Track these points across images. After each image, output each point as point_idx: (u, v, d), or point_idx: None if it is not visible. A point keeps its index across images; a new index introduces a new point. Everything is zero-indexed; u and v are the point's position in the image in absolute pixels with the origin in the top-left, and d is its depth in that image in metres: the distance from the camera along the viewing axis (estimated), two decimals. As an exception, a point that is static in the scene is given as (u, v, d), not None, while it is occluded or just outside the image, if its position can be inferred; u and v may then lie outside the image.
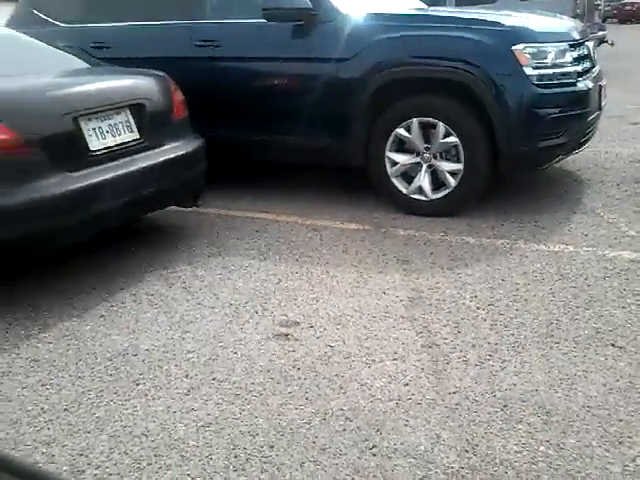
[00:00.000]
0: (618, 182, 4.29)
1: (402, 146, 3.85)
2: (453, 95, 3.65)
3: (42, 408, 2.13)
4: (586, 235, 3.40)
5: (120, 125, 3.17)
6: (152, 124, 3.32)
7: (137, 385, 2.23)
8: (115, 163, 3.06)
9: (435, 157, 3.77)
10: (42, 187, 2.73)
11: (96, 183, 2.91)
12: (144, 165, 3.17)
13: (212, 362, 2.35)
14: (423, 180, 3.80)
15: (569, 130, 3.65)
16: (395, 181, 3.89)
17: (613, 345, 2.33)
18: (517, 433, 1.88)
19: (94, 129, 3.02)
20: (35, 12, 4.99)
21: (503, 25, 3.61)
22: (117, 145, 3.12)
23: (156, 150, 3.31)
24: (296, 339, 2.49)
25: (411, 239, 3.49)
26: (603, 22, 12.31)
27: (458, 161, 3.69)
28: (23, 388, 2.25)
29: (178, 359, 2.39)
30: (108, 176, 2.97)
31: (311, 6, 3.85)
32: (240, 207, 4.19)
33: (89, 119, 3.00)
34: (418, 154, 3.81)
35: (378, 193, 4.06)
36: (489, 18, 3.76)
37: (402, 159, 3.86)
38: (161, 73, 3.62)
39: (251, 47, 4.17)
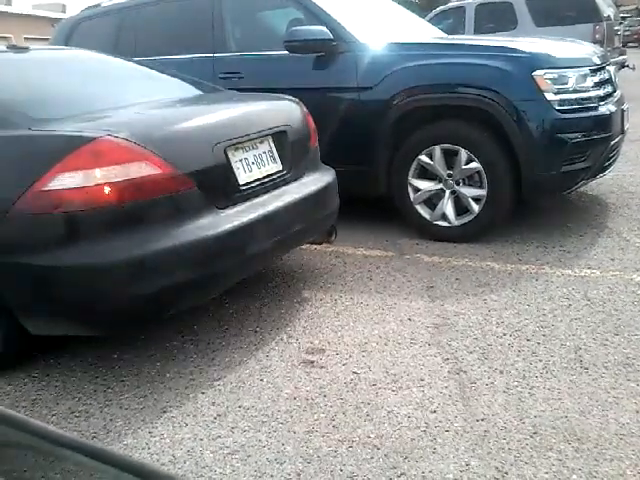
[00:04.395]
0: (644, 206, 4.25)
1: (425, 173, 3.88)
2: (475, 122, 3.68)
3: (71, 436, 2.14)
4: (612, 259, 3.36)
5: (264, 155, 2.87)
6: (293, 154, 3.04)
7: (164, 412, 2.25)
8: (262, 199, 2.74)
9: (458, 183, 3.78)
10: (197, 227, 2.40)
11: (248, 222, 2.56)
12: (290, 200, 2.84)
13: (238, 389, 2.36)
14: (446, 206, 3.81)
15: (592, 154, 3.64)
16: (418, 208, 3.91)
17: (644, 371, 2.29)
18: (548, 461, 1.85)
19: (241, 160, 2.71)
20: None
21: (523, 51, 3.64)
22: (264, 177, 2.82)
23: (297, 182, 3.03)
24: (322, 366, 2.48)
25: (435, 265, 3.49)
26: (623, 47, 12.28)
27: (481, 187, 3.70)
28: (53, 415, 2.28)
29: (205, 386, 2.40)
30: (258, 213, 2.63)
31: (332, 37, 3.93)
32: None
33: (236, 149, 2.70)
34: (441, 180, 3.82)
35: (401, 220, 4.07)
36: (509, 45, 3.79)
37: (425, 186, 3.87)
38: (295, 98, 3.36)
39: (274, 78, 4.26)
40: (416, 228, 3.98)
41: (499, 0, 10.30)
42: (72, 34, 5.24)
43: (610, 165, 3.99)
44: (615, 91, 4.02)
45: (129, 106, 2.81)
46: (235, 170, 2.65)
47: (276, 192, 2.85)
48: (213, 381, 2.43)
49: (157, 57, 4.69)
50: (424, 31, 4.88)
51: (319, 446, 1.99)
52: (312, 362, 2.52)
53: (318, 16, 4.10)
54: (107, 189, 2.19)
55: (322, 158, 4.09)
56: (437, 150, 3.76)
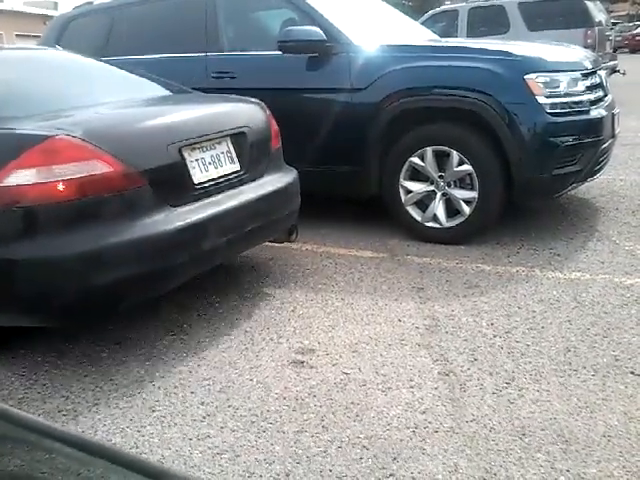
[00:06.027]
0: (633, 209, 4.28)
1: (416, 175, 3.88)
2: (467, 124, 3.69)
3: (59, 435, 2.13)
4: (602, 262, 3.38)
5: (222, 156, 2.93)
6: (252, 155, 3.09)
7: (153, 412, 2.23)
8: (217, 197, 2.81)
9: (449, 185, 3.79)
10: (149, 224, 2.47)
11: (201, 219, 2.64)
12: (246, 199, 2.91)
13: (228, 389, 2.35)
14: (437, 208, 3.82)
15: (583, 158, 3.66)
16: (410, 209, 3.91)
17: (632, 373, 2.30)
18: (536, 462, 1.86)
19: (197, 160, 2.77)
20: (58, 47, 5.12)
21: (515, 55, 3.65)
22: (220, 177, 2.87)
23: (256, 183, 3.08)
24: (312, 366, 2.48)
25: (426, 267, 3.49)
26: (614, 52, 12.37)
27: (472, 189, 3.71)
28: (40, 414, 2.26)
29: (194, 386, 2.39)
30: (212, 211, 2.70)
31: (325, 38, 3.93)
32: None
33: (192, 149, 2.76)
34: (432, 182, 3.83)
35: (393, 221, 4.07)
36: (501, 48, 3.81)
37: (416, 187, 3.88)
38: (257, 100, 3.42)
39: (267, 78, 4.25)
40: (407, 229, 3.98)
41: (492, 4, 10.37)
42: (64, 32, 5.21)
43: (601, 169, 4.01)
44: (606, 95, 4.05)
45: (92, 106, 2.87)
46: (190, 170, 2.71)
47: (232, 192, 2.91)
48: (202, 380, 2.42)
49: (149, 56, 4.68)
50: (417, 34, 4.89)
51: (308, 446, 1.99)
52: (302, 362, 2.52)
53: (312, 17, 4.10)
54: (61, 186, 2.28)
55: (314, 158, 4.10)
56: (429, 152, 3.77)
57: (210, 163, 2.84)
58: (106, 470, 0.59)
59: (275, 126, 3.38)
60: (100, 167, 2.36)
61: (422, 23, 8.20)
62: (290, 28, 4.02)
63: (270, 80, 4.24)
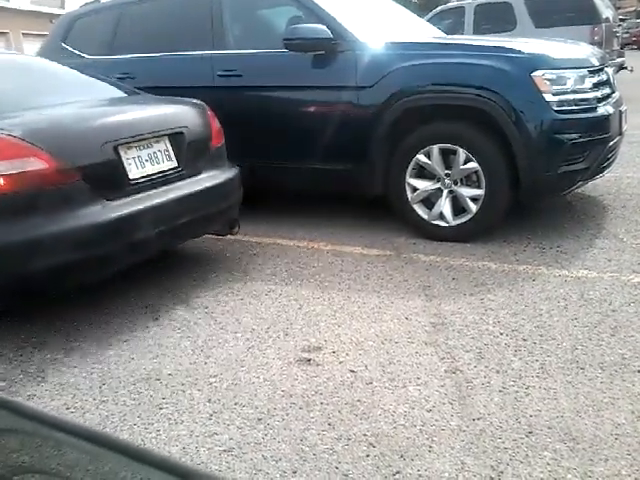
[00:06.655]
0: (641, 207, 4.26)
1: (423, 172, 3.88)
2: (473, 122, 3.68)
3: (67, 432, 2.14)
4: (609, 260, 3.37)
5: (159, 154, 3.16)
6: (190, 153, 3.31)
7: (160, 409, 2.24)
8: (153, 192, 3.03)
9: (456, 183, 3.78)
10: (83, 215, 2.71)
11: (135, 212, 2.87)
12: (181, 194, 3.14)
13: (234, 387, 2.36)
14: (444, 206, 3.81)
15: (590, 155, 3.64)
16: (416, 207, 3.91)
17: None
18: (543, 460, 1.85)
19: (133, 158, 3.00)
20: (64, 45, 5.15)
21: (522, 52, 3.64)
22: (155, 174, 3.09)
23: (193, 179, 3.29)
24: (318, 364, 2.48)
25: (432, 265, 3.49)
26: (622, 49, 12.30)
27: (479, 187, 3.70)
28: (48, 411, 2.26)
29: (201, 383, 2.40)
30: (146, 204, 2.94)
31: (331, 36, 3.93)
32: (261, 233, 4.23)
33: (129, 148, 2.99)
34: (439, 180, 3.82)
35: (399, 219, 4.07)
36: (508, 45, 3.80)
37: (423, 185, 3.88)
38: (199, 101, 3.62)
39: (272, 76, 4.26)
40: (413, 227, 3.98)
41: (498, 1, 10.32)
42: (70, 30, 5.23)
43: (608, 166, 4.00)
44: (613, 93, 4.03)
45: (40, 108, 3.07)
46: (126, 166, 2.95)
47: (168, 187, 3.13)
48: (209, 378, 2.43)
49: (155, 54, 4.69)
50: (423, 31, 4.88)
51: (315, 444, 1.99)
52: (309, 360, 2.52)
53: (318, 15, 4.09)
54: (1, 180, 2.52)
55: (320, 156, 4.10)
56: (435, 150, 3.76)
57: (147, 160, 3.08)
58: (117, 464, 0.60)
59: (217, 126, 3.60)
60: (37, 164, 2.59)
61: (428, 20, 8.21)
62: (296, 26, 4.02)
63: (276, 78, 4.24)
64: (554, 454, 1.88)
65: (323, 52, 4.00)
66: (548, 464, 1.84)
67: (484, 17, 10.44)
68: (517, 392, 2.21)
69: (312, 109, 4.15)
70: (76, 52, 5.07)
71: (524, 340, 2.58)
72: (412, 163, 3.85)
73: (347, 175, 4.09)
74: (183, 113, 3.48)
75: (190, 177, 3.28)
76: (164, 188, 3.10)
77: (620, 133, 4.00)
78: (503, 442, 1.95)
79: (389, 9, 5.04)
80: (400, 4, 5.35)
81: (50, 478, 0.61)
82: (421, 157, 3.81)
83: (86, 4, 5.37)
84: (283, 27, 4.30)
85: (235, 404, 2.24)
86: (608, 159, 3.91)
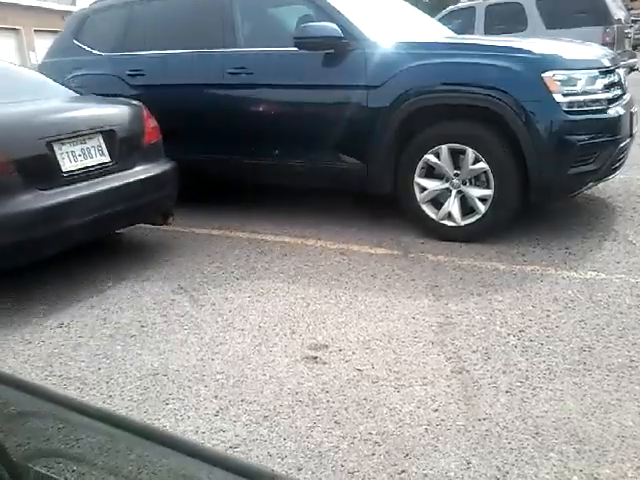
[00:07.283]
0: (651, 210, 4.23)
1: (431, 172, 3.87)
2: (483, 122, 3.66)
3: (74, 426, 2.15)
4: (618, 262, 3.35)
5: (92, 149, 3.44)
6: (123, 148, 3.59)
7: (166, 405, 2.25)
8: (85, 183, 3.32)
9: (465, 183, 3.77)
10: (16, 203, 2.99)
11: (66, 200, 3.15)
12: (112, 185, 3.43)
13: (241, 383, 2.36)
14: (452, 206, 3.80)
15: (600, 157, 3.62)
16: (424, 207, 3.90)
17: (648, 374, 2.28)
18: (549, 462, 1.85)
19: (67, 152, 3.28)
20: (76, 42, 5.18)
21: (533, 52, 3.62)
22: (88, 167, 3.37)
23: (125, 172, 3.58)
24: (324, 362, 2.49)
25: (440, 264, 3.49)
26: (634, 50, 12.22)
27: (488, 187, 3.69)
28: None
29: (207, 380, 2.40)
30: (77, 194, 3.22)
31: (342, 35, 3.93)
32: (269, 231, 4.24)
33: (62, 143, 3.26)
34: (447, 180, 3.81)
35: (407, 218, 4.07)
36: (518, 45, 3.78)
37: (431, 185, 3.87)
38: (135, 102, 3.94)
39: (282, 74, 4.26)
40: (421, 227, 3.97)
41: (510, 1, 10.28)
42: (82, 27, 5.25)
43: (618, 168, 3.97)
44: (624, 94, 4.00)
45: None
46: (60, 160, 3.23)
47: (100, 179, 3.42)
48: (216, 375, 2.44)
49: (166, 51, 4.71)
50: (434, 30, 4.87)
51: (320, 442, 2.00)
52: (315, 358, 2.52)
53: (328, 13, 4.09)
54: None
55: (329, 155, 4.10)
56: (444, 149, 3.75)
57: (80, 155, 3.35)
58: (131, 442, 0.60)
59: (152, 124, 3.88)
60: None
61: (439, 20, 8.18)
62: (306, 24, 4.02)
63: (286, 76, 4.25)
64: (560, 455, 1.87)
65: (333, 51, 4.00)
66: (554, 465, 1.83)
67: (495, 17, 10.40)
68: (524, 393, 2.20)
69: (321, 107, 4.15)
70: (88, 49, 5.09)
71: (531, 341, 2.57)
72: (421, 163, 3.84)
73: (356, 173, 4.09)
74: (117, 113, 3.77)
75: (122, 170, 3.57)
76: (96, 180, 3.39)
77: (631, 135, 3.97)
78: (509, 442, 1.94)
79: (400, 8, 5.03)
80: (411, 4, 5.34)
81: (66, 461, 0.62)
82: (430, 157, 3.80)
83: (98, 1, 5.39)
84: (293, 25, 4.31)
85: (241, 401, 2.25)
86: (618, 161, 3.88)
